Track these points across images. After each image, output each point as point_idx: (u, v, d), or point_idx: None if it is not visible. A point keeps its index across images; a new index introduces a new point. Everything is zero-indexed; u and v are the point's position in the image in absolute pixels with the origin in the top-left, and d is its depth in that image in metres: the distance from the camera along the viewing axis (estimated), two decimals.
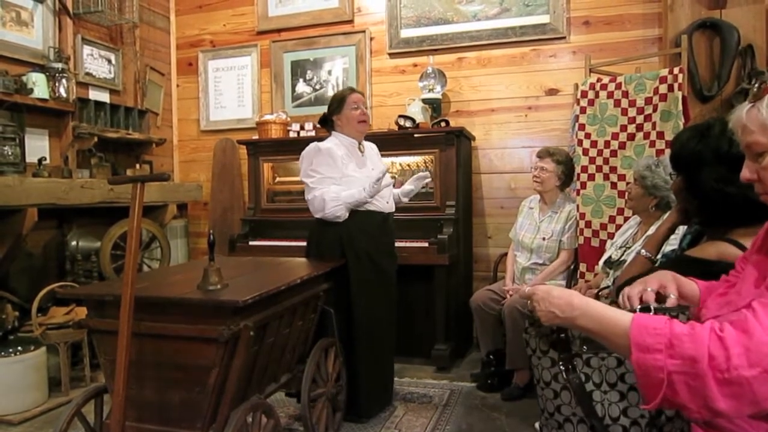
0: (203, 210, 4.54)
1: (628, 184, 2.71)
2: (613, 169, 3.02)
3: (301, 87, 4.25)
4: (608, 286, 2.32)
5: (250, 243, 3.66)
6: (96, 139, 3.57)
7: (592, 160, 3.08)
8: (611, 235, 2.89)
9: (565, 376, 1.22)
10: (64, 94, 3.37)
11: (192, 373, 1.70)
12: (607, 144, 3.03)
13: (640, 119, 2.93)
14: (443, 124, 3.57)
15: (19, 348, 2.77)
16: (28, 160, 3.21)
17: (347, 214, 2.53)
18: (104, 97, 3.89)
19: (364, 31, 4.05)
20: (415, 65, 3.95)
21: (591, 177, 3.08)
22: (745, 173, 1.04)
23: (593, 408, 1.20)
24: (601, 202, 3.05)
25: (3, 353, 2.71)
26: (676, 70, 2.82)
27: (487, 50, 3.81)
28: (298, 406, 2.42)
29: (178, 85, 4.59)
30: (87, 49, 3.77)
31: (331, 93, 4.11)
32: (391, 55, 4.01)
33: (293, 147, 3.68)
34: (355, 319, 2.54)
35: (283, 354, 2.12)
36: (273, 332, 1.96)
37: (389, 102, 4.01)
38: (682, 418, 1.16)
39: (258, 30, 4.31)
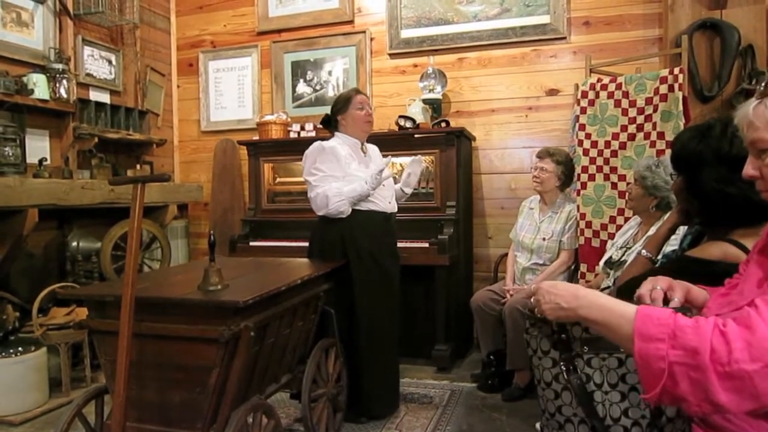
0: (204, 210, 4.54)
1: (628, 184, 2.71)
2: (614, 170, 3.02)
3: (302, 87, 4.25)
4: (609, 287, 2.32)
5: (251, 243, 3.66)
6: (96, 139, 3.57)
7: (592, 161, 3.08)
8: (612, 236, 2.89)
9: (566, 376, 1.22)
10: (64, 95, 3.38)
11: (192, 374, 1.70)
12: (607, 144, 3.03)
13: (640, 119, 2.93)
14: (444, 124, 3.57)
15: (20, 349, 2.77)
16: (28, 160, 3.21)
17: (350, 210, 2.53)
18: (105, 97, 3.89)
19: (364, 32, 4.05)
20: (416, 66, 3.95)
21: (591, 177, 3.08)
22: (748, 170, 1.04)
23: (594, 409, 1.20)
24: (601, 203, 3.05)
25: (4, 354, 2.71)
26: (676, 71, 2.82)
27: (488, 50, 3.81)
28: (298, 406, 2.42)
29: (178, 86, 4.60)
30: (87, 50, 3.77)
31: (331, 93, 4.12)
32: (392, 56, 4.01)
33: (294, 147, 3.69)
34: (358, 319, 2.54)
35: (284, 354, 2.12)
36: (273, 333, 1.96)
37: (389, 102, 4.01)
38: (683, 419, 1.16)
39: (258, 30, 4.31)
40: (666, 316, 0.91)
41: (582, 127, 3.11)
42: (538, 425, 2.30)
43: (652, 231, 2.20)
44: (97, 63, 3.85)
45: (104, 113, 3.77)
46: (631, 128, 2.96)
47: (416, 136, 3.48)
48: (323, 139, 2.71)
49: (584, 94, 3.12)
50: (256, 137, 3.96)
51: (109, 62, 3.95)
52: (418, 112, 3.58)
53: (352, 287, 2.53)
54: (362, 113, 2.64)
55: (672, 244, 1.93)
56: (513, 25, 3.72)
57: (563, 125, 3.63)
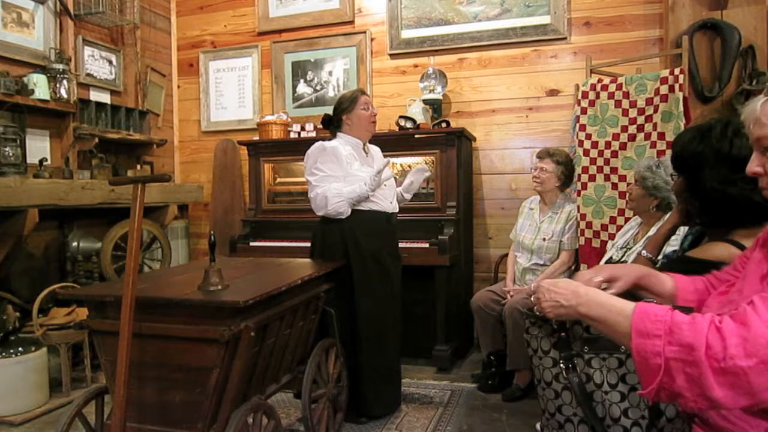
0: (204, 211, 4.54)
1: (628, 184, 2.71)
2: (614, 170, 3.02)
3: (302, 88, 4.25)
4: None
5: (251, 244, 3.66)
6: (97, 140, 3.57)
7: (592, 161, 3.08)
8: (612, 236, 2.89)
9: (566, 376, 1.22)
10: (65, 95, 3.38)
11: (193, 374, 1.70)
12: (607, 145, 3.03)
13: (640, 120, 2.93)
14: (444, 124, 3.57)
15: (20, 349, 2.77)
16: (29, 161, 3.21)
17: (350, 210, 2.53)
18: (105, 98, 3.89)
19: (364, 32, 4.05)
20: (416, 66, 3.95)
21: (592, 178, 3.08)
22: (752, 167, 1.05)
23: (594, 409, 1.20)
24: (601, 203, 3.05)
25: (4, 354, 2.71)
26: (677, 71, 2.82)
27: (488, 51, 3.82)
28: (299, 406, 2.42)
29: (178, 86, 4.60)
30: (88, 50, 3.78)
31: (332, 94, 4.12)
32: (392, 56, 4.01)
33: (294, 148, 3.70)
34: (359, 319, 2.54)
35: (284, 355, 2.12)
36: (274, 333, 1.96)
37: (390, 103, 4.01)
38: (682, 419, 1.16)
39: (259, 31, 4.31)
40: (663, 312, 0.92)
41: (582, 128, 3.11)
42: (538, 425, 2.30)
43: (652, 231, 2.20)
44: (97, 63, 3.85)
45: (104, 113, 3.77)
46: (632, 129, 2.96)
47: (416, 136, 3.48)
48: (323, 139, 2.71)
49: (585, 95, 3.12)
50: (256, 137, 3.95)
51: (110, 62, 3.95)
52: (418, 112, 3.58)
53: (353, 287, 2.54)
54: (367, 113, 2.65)
55: (673, 245, 1.93)
56: (513, 26, 3.72)
57: (563, 126, 3.63)
